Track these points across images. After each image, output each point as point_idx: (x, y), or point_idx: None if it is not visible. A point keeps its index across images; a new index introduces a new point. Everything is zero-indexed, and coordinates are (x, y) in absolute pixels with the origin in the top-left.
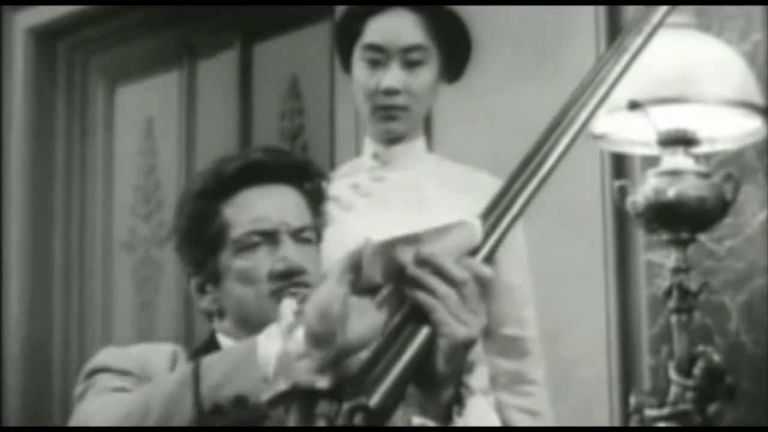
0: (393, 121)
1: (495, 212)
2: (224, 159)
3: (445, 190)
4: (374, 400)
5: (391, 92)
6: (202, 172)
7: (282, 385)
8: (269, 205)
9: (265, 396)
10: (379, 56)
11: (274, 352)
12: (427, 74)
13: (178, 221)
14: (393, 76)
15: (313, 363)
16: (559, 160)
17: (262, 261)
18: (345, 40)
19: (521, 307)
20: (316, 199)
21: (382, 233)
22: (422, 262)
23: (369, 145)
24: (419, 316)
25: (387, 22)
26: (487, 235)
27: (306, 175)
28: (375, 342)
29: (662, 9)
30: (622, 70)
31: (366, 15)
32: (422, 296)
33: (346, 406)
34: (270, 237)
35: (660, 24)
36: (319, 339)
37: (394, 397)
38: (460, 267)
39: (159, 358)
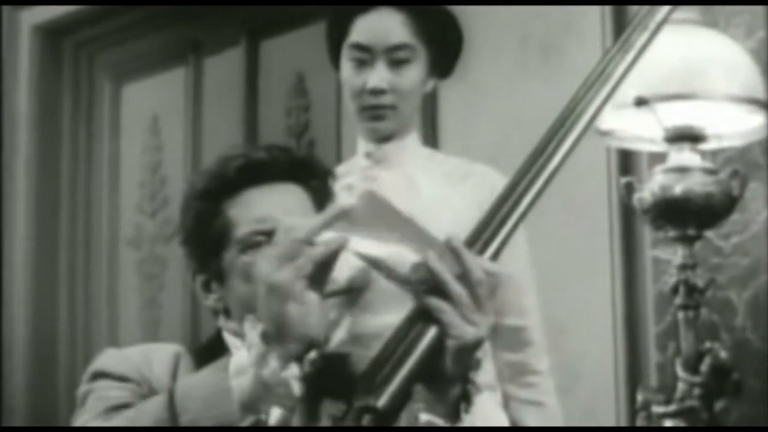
0: (380, 120)
1: (502, 210)
2: (226, 158)
3: (440, 184)
4: (382, 401)
5: (377, 92)
6: (205, 171)
7: (262, 415)
8: (272, 204)
9: (246, 423)
10: (365, 56)
11: (249, 384)
12: (413, 73)
13: (183, 220)
14: (379, 75)
15: (291, 387)
16: (566, 157)
17: None
18: (333, 39)
19: (521, 296)
20: (321, 197)
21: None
22: (452, 249)
23: (361, 145)
24: (427, 316)
25: (373, 21)
26: (494, 233)
27: (310, 173)
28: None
29: (667, 5)
30: (627, 67)
31: (353, 14)
32: (430, 299)
33: (354, 406)
34: (274, 236)
35: (665, 20)
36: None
37: (402, 398)
38: (477, 266)
39: (160, 361)
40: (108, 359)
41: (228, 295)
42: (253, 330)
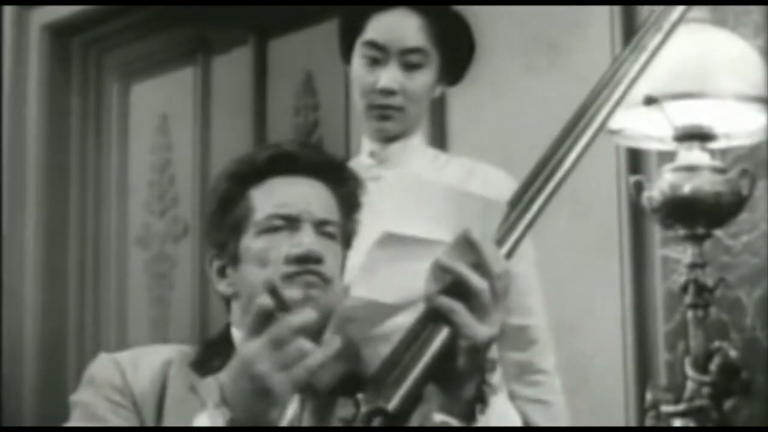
0: (387, 120)
1: (515, 211)
2: (259, 148)
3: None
4: (393, 403)
5: (387, 92)
6: (237, 158)
7: None
8: (295, 192)
9: None
10: (379, 55)
11: None
12: (425, 77)
13: (209, 204)
14: (391, 76)
15: None
16: (578, 159)
17: (280, 244)
18: (347, 34)
19: (526, 295)
20: (348, 203)
21: (376, 232)
22: (468, 242)
23: (366, 144)
24: (438, 316)
25: (390, 21)
26: (506, 235)
27: (340, 177)
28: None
29: (681, 6)
30: (640, 69)
31: (370, 11)
32: (442, 299)
33: (364, 409)
34: (292, 222)
35: (679, 21)
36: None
37: (413, 400)
38: (497, 258)
39: (147, 368)
40: (97, 365)
41: (239, 279)
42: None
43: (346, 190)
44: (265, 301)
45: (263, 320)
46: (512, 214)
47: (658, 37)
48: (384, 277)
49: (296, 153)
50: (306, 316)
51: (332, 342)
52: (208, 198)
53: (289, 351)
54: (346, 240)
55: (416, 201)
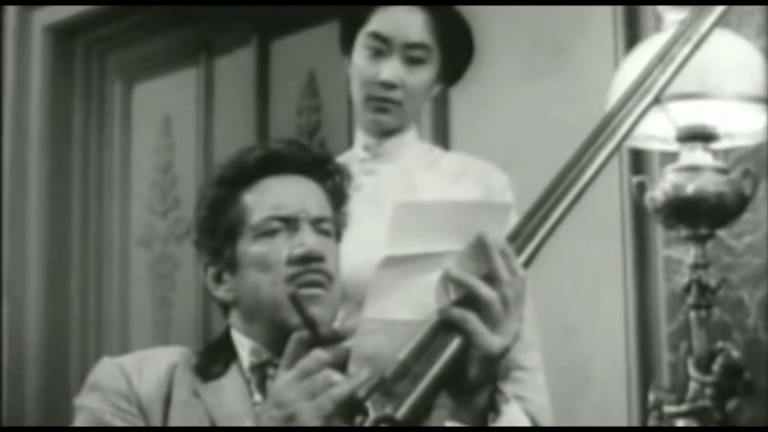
0: (384, 113)
1: (533, 221)
2: (246, 149)
3: (438, 179)
4: (401, 412)
5: (388, 85)
6: (224, 162)
7: None
8: (289, 192)
9: None
10: (382, 47)
11: None
12: (426, 73)
13: (199, 210)
14: (392, 69)
15: None
16: (600, 170)
17: (281, 246)
18: (351, 25)
19: None
20: (337, 196)
21: (373, 226)
22: (482, 245)
23: (360, 137)
24: (451, 326)
25: (396, 14)
26: (525, 243)
27: (327, 171)
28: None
29: (711, 17)
30: (668, 81)
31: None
32: (454, 309)
33: (372, 416)
34: (289, 223)
35: (709, 33)
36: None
37: (422, 409)
38: (504, 266)
39: (152, 373)
40: (102, 370)
41: (239, 284)
42: None
43: (334, 184)
44: (302, 335)
45: (299, 350)
46: (531, 223)
47: (687, 48)
48: (394, 295)
49: (284, 152)
50: (335, 352)
51: (359, 373)
52: (197, 204)
53: (316, 381)
54: (338, 234)
55: (415, 223)
